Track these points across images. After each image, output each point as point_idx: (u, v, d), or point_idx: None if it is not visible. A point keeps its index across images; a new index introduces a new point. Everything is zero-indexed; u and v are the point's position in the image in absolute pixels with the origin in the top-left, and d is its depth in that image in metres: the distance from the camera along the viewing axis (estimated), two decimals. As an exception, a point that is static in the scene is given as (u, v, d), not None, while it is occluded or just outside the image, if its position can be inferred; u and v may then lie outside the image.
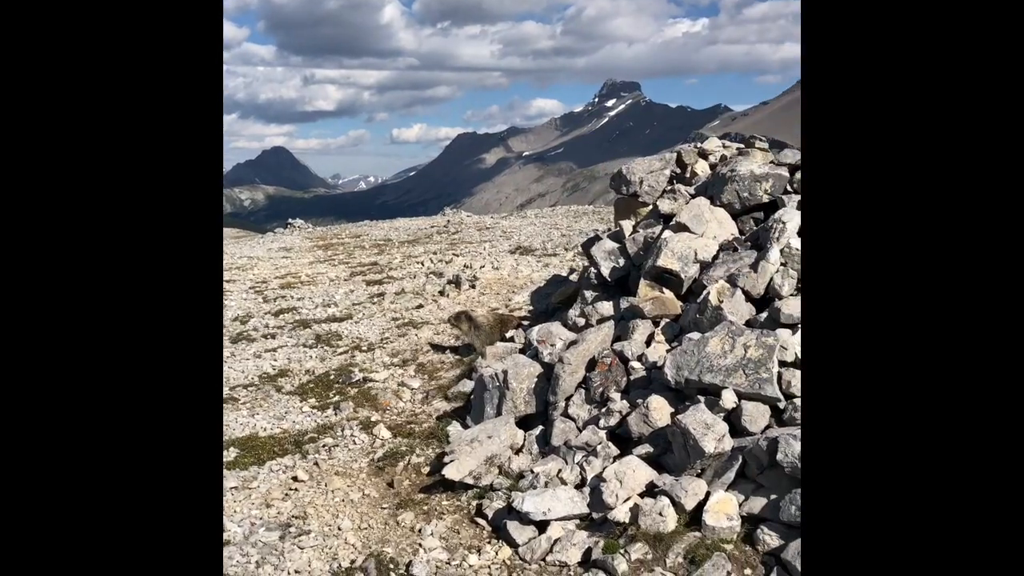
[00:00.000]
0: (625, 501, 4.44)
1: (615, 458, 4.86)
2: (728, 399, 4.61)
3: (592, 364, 5.70)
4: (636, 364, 5.51)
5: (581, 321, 6.52)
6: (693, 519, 4.29)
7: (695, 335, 5.19)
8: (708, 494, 4.36)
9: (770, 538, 4.04)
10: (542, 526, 4.50)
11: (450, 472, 5.09)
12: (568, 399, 5.62)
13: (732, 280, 5.51)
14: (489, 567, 4.34)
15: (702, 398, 4.75)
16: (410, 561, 4.38)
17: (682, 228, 6.23)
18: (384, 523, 4.89)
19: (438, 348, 8.49)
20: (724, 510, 4.23)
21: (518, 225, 20.66)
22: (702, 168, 7.25)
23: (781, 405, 4.59)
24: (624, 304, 6.23)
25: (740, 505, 4.28)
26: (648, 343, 5.72)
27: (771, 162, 6.56)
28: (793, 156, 6.39)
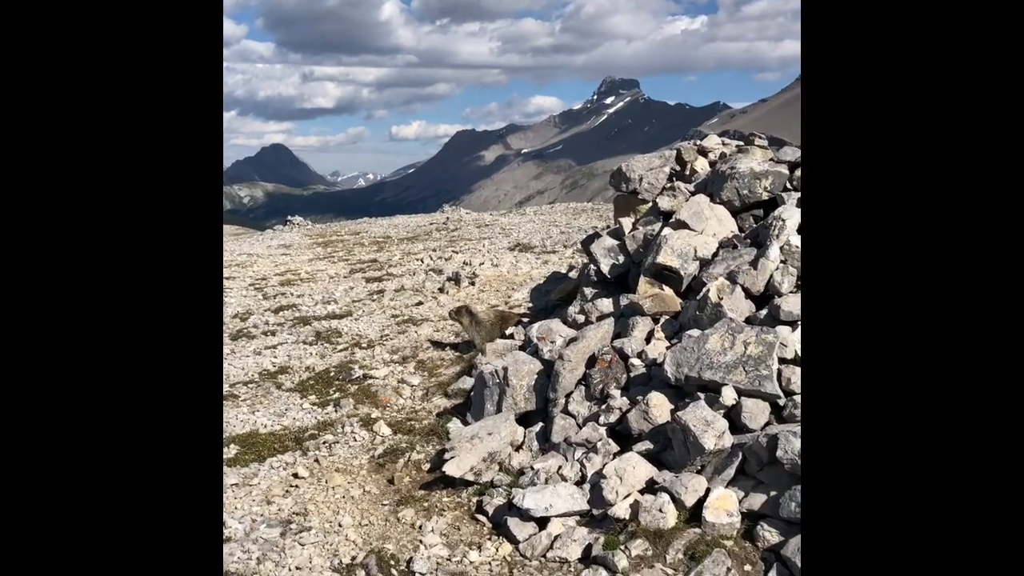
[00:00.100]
0: (625, 497, 4.45)
1: (615, 455, 4.87)
2: (728, 396, 4.62)
3: (592, 361, 5.71)
4: (636, 361, 5.52)
5: (581, 318, 6.53)
6: (693, 515, 4.30)
7: (695, 332, 5.20)
8: (708, 490, 4.37)
9: (770, 534, 4.05)
10: (542, 522, 4.51)
11: (450, 469, 5.10)
12: (568, 396, 5.63)
13: (732, 277, 5.52)
14: (490, 563, 4.35)
15: (702, 395, 4.76)
16: (411, 557, 4.39)
17: (682, 225, 6.24)
18: (385, 519, 4.91)
19: (438, 345, 8.50)
20: (724, 506, 4.24)
21: (517, 222, 20.65)
22: (701, 166, 7.26)
23: (781, 402, 4.61)
24: (624, 301, 6.24)
25: (740, 501, 4.29)
26: (648, 340, 5.73)
27: (771, 160, 6.57)
28: (793, 154, 6.40)
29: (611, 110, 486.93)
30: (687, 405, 4.68)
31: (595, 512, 4.50)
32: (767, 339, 4.75)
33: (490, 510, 4.82)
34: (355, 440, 6.10)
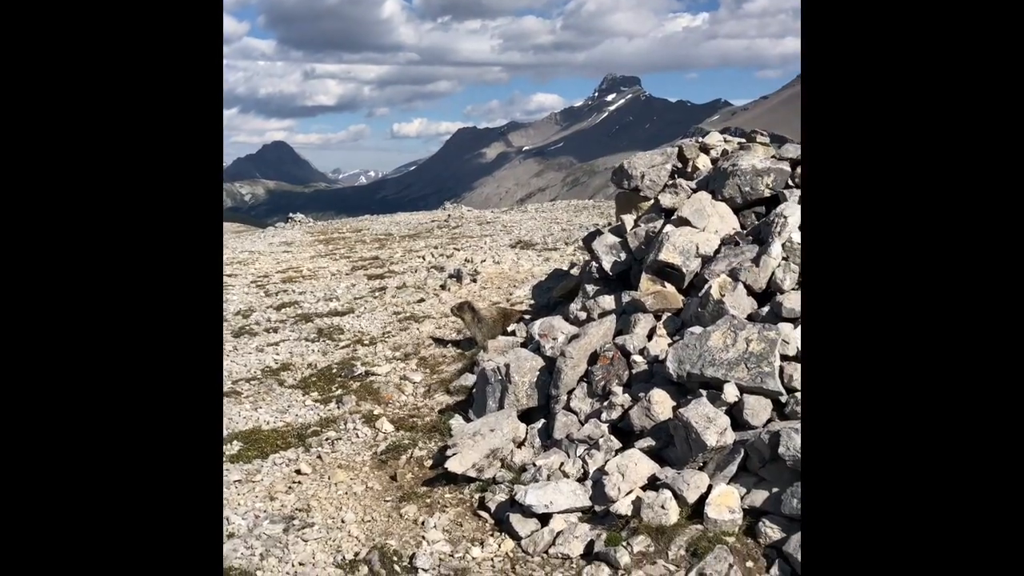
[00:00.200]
0: (627, 494, 4.46)
1: (617, 451, 4.89)
2: (730, 393, 4.63)
3: (594, 358, 5.72)
4: (638, 358, 5.52)
5: (583, 315, 6.54)
6: (695, 512, 4.31)
7: (697, 329, 5.21)
8: (710, 487, 4.38)
9: (772, 531, 4.06)
10: (544, 519, 4.52)
11: (453, 465, 5.12)
12: (570, 393, 5.64)
13: (734, 274, 5.53)
14: (492, 559, 4.36)
15: (704, 392, 4.77)
16: (413, 553, 4.41)
17: (684, 222, 6.25)
18: (387, 516, 4.92)
19: (440, 342, 8.51)
20: (726, 503, 4.25)
21: (518, 219, 20.65)
22: (703, 163, 7.26)
23: (783, 399, 4.61)
24: (626, 298, 6.24)
25: (742, 498, 4.30)
26: (650, 337, 5.74)
27: (772, 157, 6.57)
28: (794, 151, 6.40)
29: (612, 107, 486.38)
30: (689, 402, 4.69)
31: (597, 508, 4.51)
32: (769, 336, 4.75)
33: (492, 506, 4.83)
34: (357, 437, 6.11)
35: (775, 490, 4.21)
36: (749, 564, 3.97)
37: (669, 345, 5.35)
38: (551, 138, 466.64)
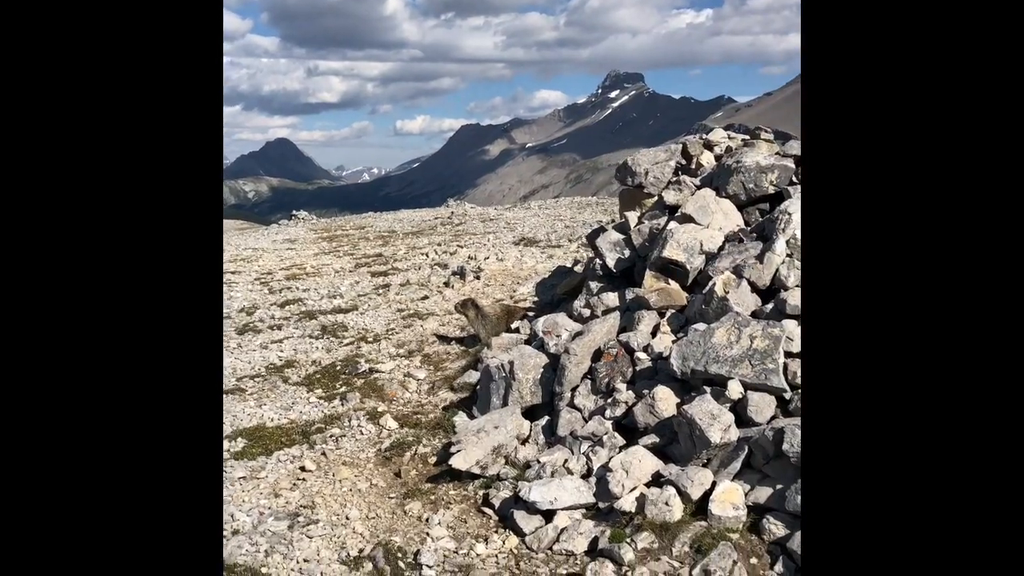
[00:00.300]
0: (631, 491, 4.46)
1: (621, 448, 4.89)
2: (734, 390, 4.62)
3: (598, 355, 5.72)
4: (642, 355, 5.52)
5: (587, 312, 6.54)
6: (699, 508, 4.31)
7: (701, 326, 5.20)
8: (714, 484, 4.38)
9: (776, 527, 4.06)
10: (549, 515, 4.53)
11: (457, 462, 5.12)
12: (574, 390, 5.64)
13: (738, 271, 5.53)
14: (496, 556, 4.37)
15: (708, 389, 4.77)
16: (418, 550, 4.41)
17: (688, 219, 6.24)
18: (392, 512, 4.93)
19: (444, 339, 8.52)
20: (730, 499, 4.25)
21: (522, 216, 20.65)
22: (707, 159, 7.25)
23: (787, 396, 4.61)
24: (630, 295, 6.24)
25: (746, 495, 4.30)
26: (654, 334, 5.74)
27: (776, 153, 6.56)
28: (798, 147, 6.39)
29: (616, 104, 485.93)
30: (693, 399, 4.69)
31: (601, 505, 4.52)
32: (773, 333, 4.75)
33: (496, 503, 4.84)
34: (362, 434, 6.12)
35: (779, 487, 4.21)
36: (753, 560, 3.97)
37: (673, 342, 5.35)
38: (554, 135, 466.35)
